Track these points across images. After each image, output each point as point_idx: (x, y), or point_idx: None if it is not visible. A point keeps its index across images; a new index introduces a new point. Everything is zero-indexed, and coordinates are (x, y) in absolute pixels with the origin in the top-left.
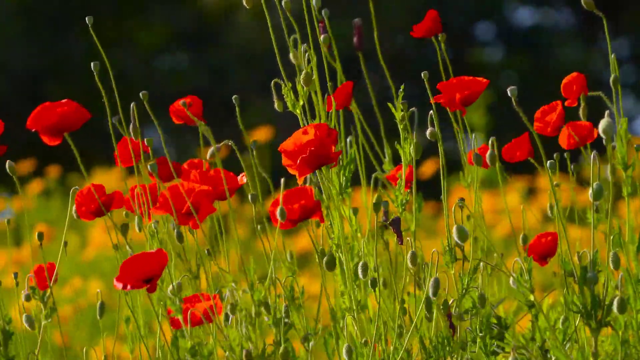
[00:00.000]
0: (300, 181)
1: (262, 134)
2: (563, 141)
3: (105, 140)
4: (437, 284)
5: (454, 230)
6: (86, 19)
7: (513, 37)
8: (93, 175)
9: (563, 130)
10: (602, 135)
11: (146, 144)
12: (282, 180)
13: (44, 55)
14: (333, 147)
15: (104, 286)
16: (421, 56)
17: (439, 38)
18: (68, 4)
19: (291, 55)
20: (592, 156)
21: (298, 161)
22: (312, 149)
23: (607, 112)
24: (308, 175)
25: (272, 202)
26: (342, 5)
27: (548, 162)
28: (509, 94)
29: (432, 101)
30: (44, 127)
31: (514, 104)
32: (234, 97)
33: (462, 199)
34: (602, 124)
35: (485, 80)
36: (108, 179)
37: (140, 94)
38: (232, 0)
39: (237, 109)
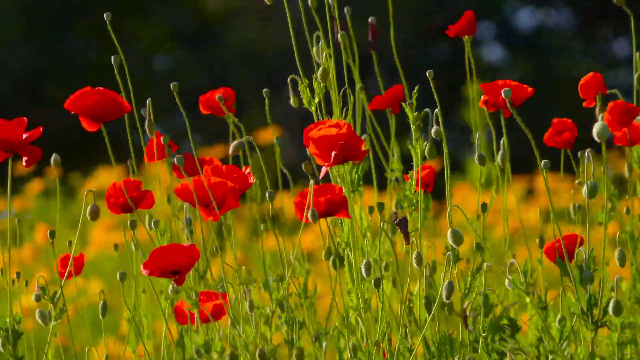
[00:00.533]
0: (323, 173)
1: (269, 134)
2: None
3: (108, 139)
4: (450, 287)
5: (448, 233)
6: (105, 15)
7: (513, 38)
8: (95, 174)
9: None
10: (596, 138)
11: (162, 141)
12: (312, 181)
13: (44, 55)
14: (363, 145)
15: (105, 286)
16: (421, 56)
17: (466, 38)
18: (68, 3)
19: (314, 52)
20: (586, 154)
21: (332, 154)
22: (343, 142)
23: (600, 115)
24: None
25: (299, 194)
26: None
27: (542, 162)
28: (503, 96)
29: (481, 103)
30: (82, 109)
31: (508, 105)
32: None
33: (485, 204)
34: (596, 127)
35: (530, 88)
36: (108, 178)
37: (171, 85)
38: (232, 3)
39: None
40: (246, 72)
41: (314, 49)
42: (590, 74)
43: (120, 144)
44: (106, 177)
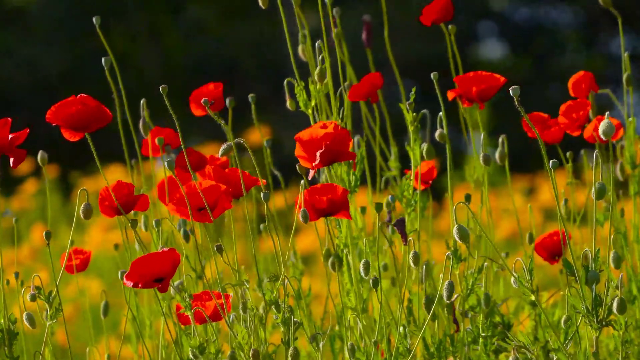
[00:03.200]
0: (311, 174)
1: (259, 135)
2: (588, 135)
3: (107, 140)
4: (451, 287)
5: (454, 229)
6: (93, 19)
7: (514, 36)
8: (93, 174)
9: (588, 126)
10: (602, 136)
11: (157, 143)
12: (303, 181)
13: (66, 54)
14: (350, 145)
15: (104, 285)
16: (423, 56)
17: (449, 29)
18: (87, 4)
19: (299, 50)
20: (594, 156)
21: (317, 154)
22: (328, 143)
23: (607, 114)
24: (315, 174)
25: (302, 192)
26: (352, 6)
27: (550, 161)
28: (512, 94)
29: (450, 97)
30: (63, 120)
31: (516, 103)
32: (250, 96)
33: (468, 195)
34: (602, 125)
35: (502, 78)
36: (109, 177)
37: (160, 88)
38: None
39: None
40: (262, 71)
41: (300, 47)
42: (581, 72)
43: (127, 142)
44: (107, 176)
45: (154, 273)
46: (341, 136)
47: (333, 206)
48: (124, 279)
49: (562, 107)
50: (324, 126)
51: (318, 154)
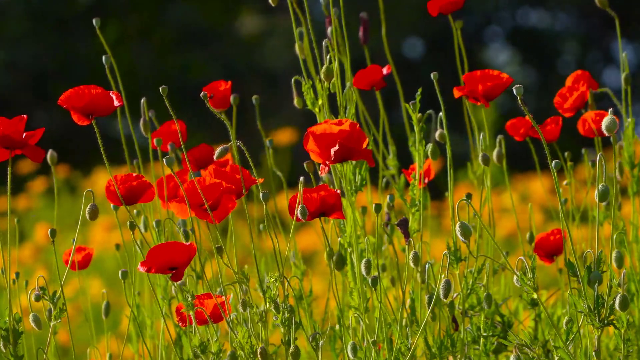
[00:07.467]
0: (322, 170)
1: (284, 136)
2: (582, 127)
3: (110, 139)
4: (448, 285)
5: (457, 227)
6: (93, 21)
7: (519, 40)
8: (97, 174)
9: (583, 117)
10: (605, 132)
11: (155, 144)
12: (301, 179)
13: (52, 54)
14: (365, 144)
15: (104, 285)
16: (423, 56)
17: (456, 24)
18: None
19: (296, 48)
20: (597, 157)
21: (332, 151)
22: (343, 140)
23: (610, 110)
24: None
25: (293, 196)
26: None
27: (553, 162)
28: (515, 93)
29: (456, 95)
30: (74, 106)
31: (520, 102)
32: (254, 97)
33: (469, 194)
34: (605, 121)
35: (509, 77)
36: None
37: (160, 89)
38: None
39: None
40: (265, 76)
41: (297, 44)
42: (579, 71)
43: (128, 143)
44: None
45: (170, 261)
46: (357, 134)
47: (326, 206)
48: (139, 265)
49: (562, 90)
50: (339, 123)
51: (333, 150)
